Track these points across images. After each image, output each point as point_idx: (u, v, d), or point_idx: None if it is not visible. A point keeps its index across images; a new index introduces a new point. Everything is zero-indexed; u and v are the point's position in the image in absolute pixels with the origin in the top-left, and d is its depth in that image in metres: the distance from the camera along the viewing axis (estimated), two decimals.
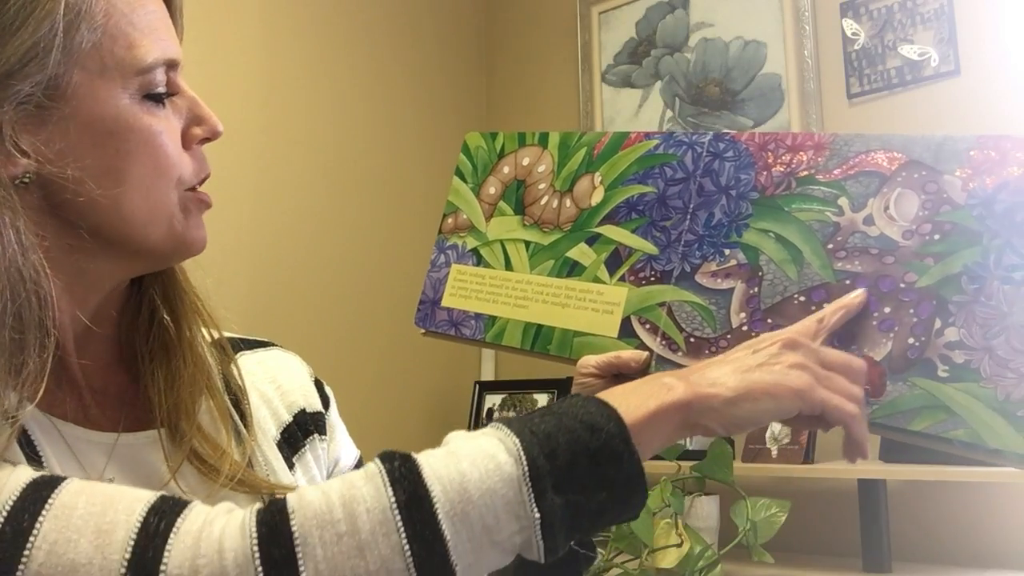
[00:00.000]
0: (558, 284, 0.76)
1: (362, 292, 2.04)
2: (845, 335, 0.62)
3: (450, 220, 0.85)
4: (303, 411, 0.74)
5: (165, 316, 0.67)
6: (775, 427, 1.62)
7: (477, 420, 2.07)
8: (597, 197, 0.76)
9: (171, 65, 0.61)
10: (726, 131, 0.69)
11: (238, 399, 0.70)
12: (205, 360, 0.70)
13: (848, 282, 0.63)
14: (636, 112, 2.11)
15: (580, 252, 0.76)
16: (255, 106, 1.87)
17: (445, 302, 0.82)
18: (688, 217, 0.71)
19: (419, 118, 2.23)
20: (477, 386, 2.12)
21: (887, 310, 0.61)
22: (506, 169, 0.83)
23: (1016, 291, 0.57)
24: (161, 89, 0.61)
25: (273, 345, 0.79)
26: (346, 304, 2.00)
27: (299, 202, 1.94)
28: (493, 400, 2.09)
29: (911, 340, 0.60)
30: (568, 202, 0.78)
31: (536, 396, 2.03)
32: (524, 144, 0.83)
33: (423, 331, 0.84)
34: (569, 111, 2.23)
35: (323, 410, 0.77)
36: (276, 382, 0.75)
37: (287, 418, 0.73)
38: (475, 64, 2.43)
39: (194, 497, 0.60)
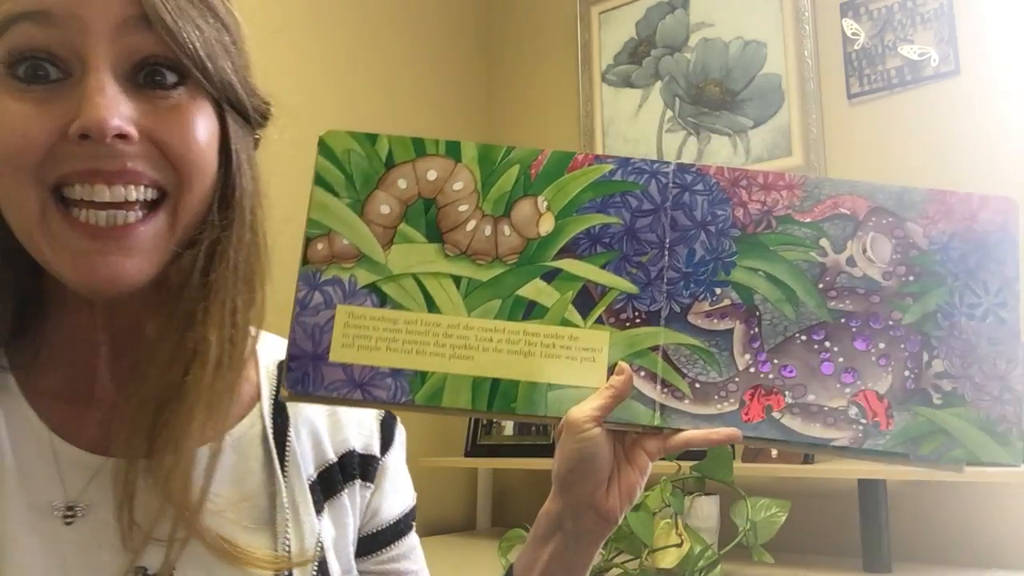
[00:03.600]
0: (513, 328, 0.64)
1: None
2: (851, 372, 0.65)
3: (320, 245, 0.71)
4: (352, 452, 0.69)
5: (202, 330, 0.60)
6: None
7: (477, 420, 2.06)
8: (547, 226, 0.66)
9: (33, 18, 0.51)
10: (689, 162, 0.66)
11: (280, 430, 0.66)
12: (255, 383, 0.66)
13: (843, 320, 0.65)
14: (636, 112, 2.11)
15: (536, 290, 0.65)
16: None
17: (335, 356, 0.63)
18: (666, 252, 0.66)
19: (419, 118, 2.23)
20: None
21: (881, 346, 0.65)
22: (402, 183, 0.69)
23: (979, 326, 0.64)
24: (23, 60, 0.52)
25: None
26: None
27: (297, 202, 1.94)
28: None
29: (906, 373, 0.64)
30: (507, 229, 0.66)
31: None
32: (424, 153, 0.70)
33: (300, 398, 0.63)
34: (569, 111, 2.23)
35: (379, 454, 0.70)
36: (335, 414, 0.69)
37: (331, 457, 0.67)
38: (475, 64, 2.43)
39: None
